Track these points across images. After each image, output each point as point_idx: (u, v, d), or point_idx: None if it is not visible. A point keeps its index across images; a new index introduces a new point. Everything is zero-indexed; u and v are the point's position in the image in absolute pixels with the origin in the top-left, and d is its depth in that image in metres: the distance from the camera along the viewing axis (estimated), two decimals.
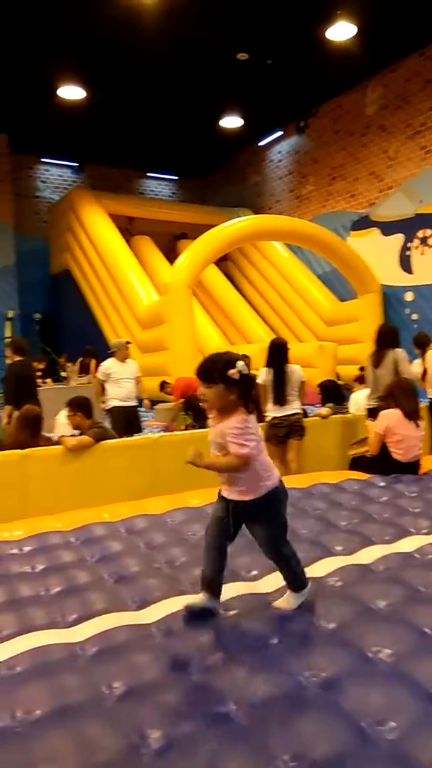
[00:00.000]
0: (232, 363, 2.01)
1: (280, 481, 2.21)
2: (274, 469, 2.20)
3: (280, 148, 14.33)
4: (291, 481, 4.07)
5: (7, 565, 2.74)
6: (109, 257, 11.91)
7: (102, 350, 9.91)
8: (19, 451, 3.96)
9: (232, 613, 2.21)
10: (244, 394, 2.05)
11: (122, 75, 10.71)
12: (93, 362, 9.28)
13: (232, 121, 13.32)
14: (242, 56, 10.46)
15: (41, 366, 10.28)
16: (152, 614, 2.20)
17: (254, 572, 2.57)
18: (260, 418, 5.12)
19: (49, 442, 4.41)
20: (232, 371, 1.99)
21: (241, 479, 2.12)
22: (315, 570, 2.57)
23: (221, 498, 2.21)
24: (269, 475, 2.16)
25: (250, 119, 13.20)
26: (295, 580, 2.24)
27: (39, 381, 7.99)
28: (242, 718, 1.61)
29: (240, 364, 2.01)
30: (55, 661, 1.84)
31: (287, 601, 2.22)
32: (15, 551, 2.92)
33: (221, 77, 11.01)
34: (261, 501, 2.12)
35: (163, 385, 8.21)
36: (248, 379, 2.05)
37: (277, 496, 2.17)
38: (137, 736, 1.52)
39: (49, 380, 10.07)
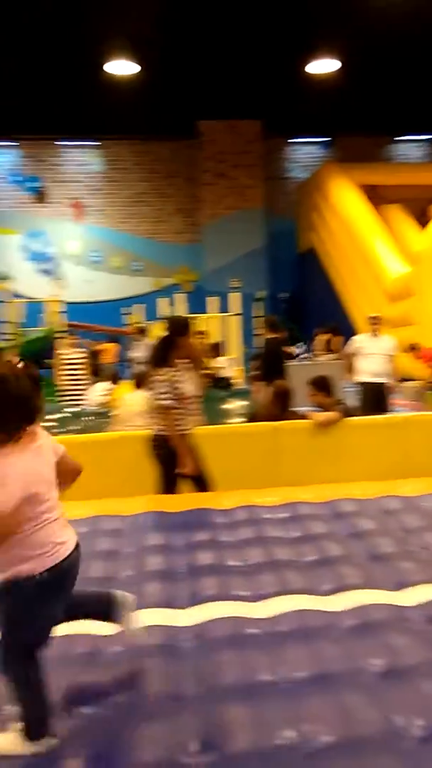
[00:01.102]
0: None
1: (55, 577, 1.52)
2: (49, 554, 1.52)
3: None
4: None
5: (263, 528, 2.92)
6: (356, 229, 11.63)
7: (346, 327, 9.82)
8: (272, 423, 4.20)
9: None
10: (5, 419, 1.49)
11: (373, 37, 10.21)
12: (336, 339, 9.25)
13: None
14: None
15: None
16: (410, 598, 2.13)
17: None
18: None
19: (296, 415, 4.56)
20: None
21: None
22: None
23: None
24: (33, 557, 1.50)
25: None
26: (24, 723, 1.52)
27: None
28: None
29: None
30: (313, 627, 1.92)
31: (9, 741, 1.53)
32: (269, 516, 3.10)
33: None
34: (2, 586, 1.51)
35: (412, 348, 7.73)
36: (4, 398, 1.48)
37: (26, 593, 1.50)
38: (401, 719, 1.50)
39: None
